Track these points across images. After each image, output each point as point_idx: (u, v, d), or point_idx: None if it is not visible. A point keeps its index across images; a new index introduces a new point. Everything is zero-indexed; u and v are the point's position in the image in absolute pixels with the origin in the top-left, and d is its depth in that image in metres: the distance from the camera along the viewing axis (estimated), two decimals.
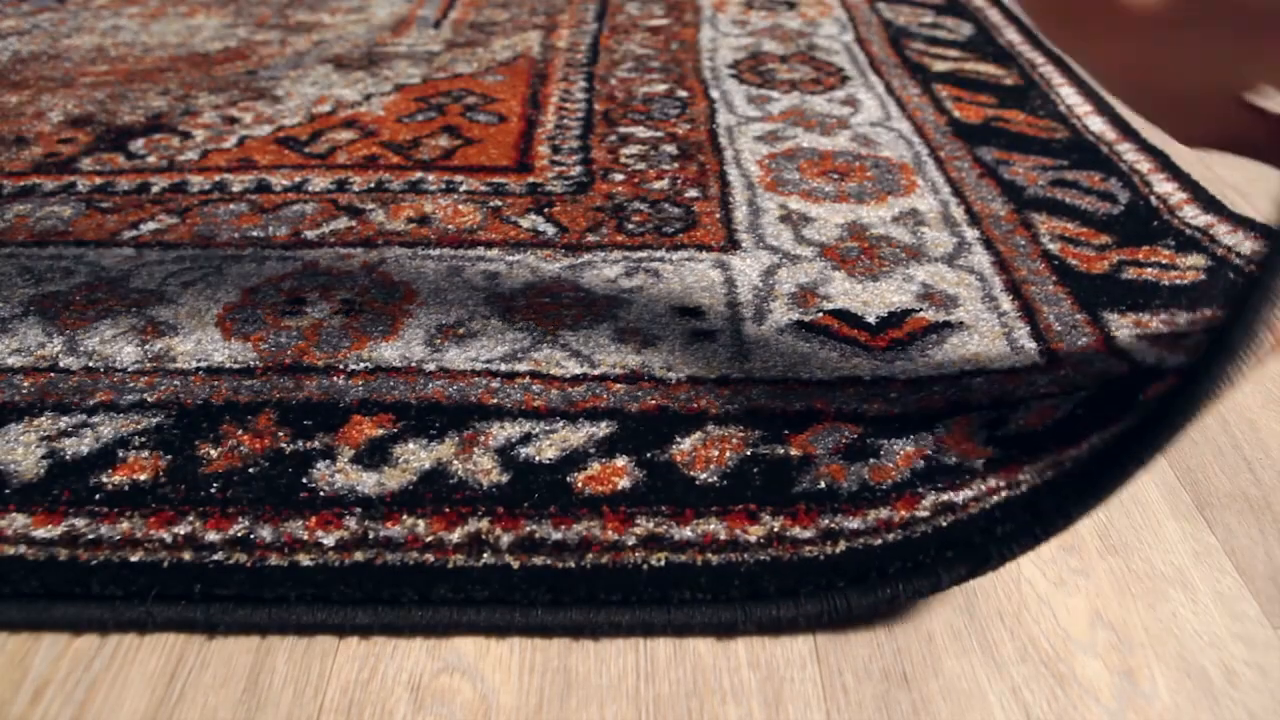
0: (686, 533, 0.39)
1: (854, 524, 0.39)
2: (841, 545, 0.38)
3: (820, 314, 0.53)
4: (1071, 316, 0.52)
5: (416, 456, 0.43)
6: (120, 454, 0.43)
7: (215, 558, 0.38)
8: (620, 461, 0.43)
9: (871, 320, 0.52)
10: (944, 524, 0.38)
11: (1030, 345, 0.50)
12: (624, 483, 0.41)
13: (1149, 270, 0.56)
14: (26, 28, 0.99)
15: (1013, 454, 0.40)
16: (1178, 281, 0.54)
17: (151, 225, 0.61)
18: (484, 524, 0.39)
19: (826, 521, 0.39)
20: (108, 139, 0.74)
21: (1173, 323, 0.49)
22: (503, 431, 0.44)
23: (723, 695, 0.35)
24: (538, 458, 0.43)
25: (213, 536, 0.39)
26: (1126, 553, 0.40)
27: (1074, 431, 0.40)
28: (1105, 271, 0.56)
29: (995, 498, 0.38)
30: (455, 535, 0.39)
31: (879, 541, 0.38)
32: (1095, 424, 0.39)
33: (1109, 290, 0.54)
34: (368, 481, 0.41)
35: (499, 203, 0.64)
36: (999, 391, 0.46)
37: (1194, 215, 0.61)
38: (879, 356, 0.49)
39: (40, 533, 0.39)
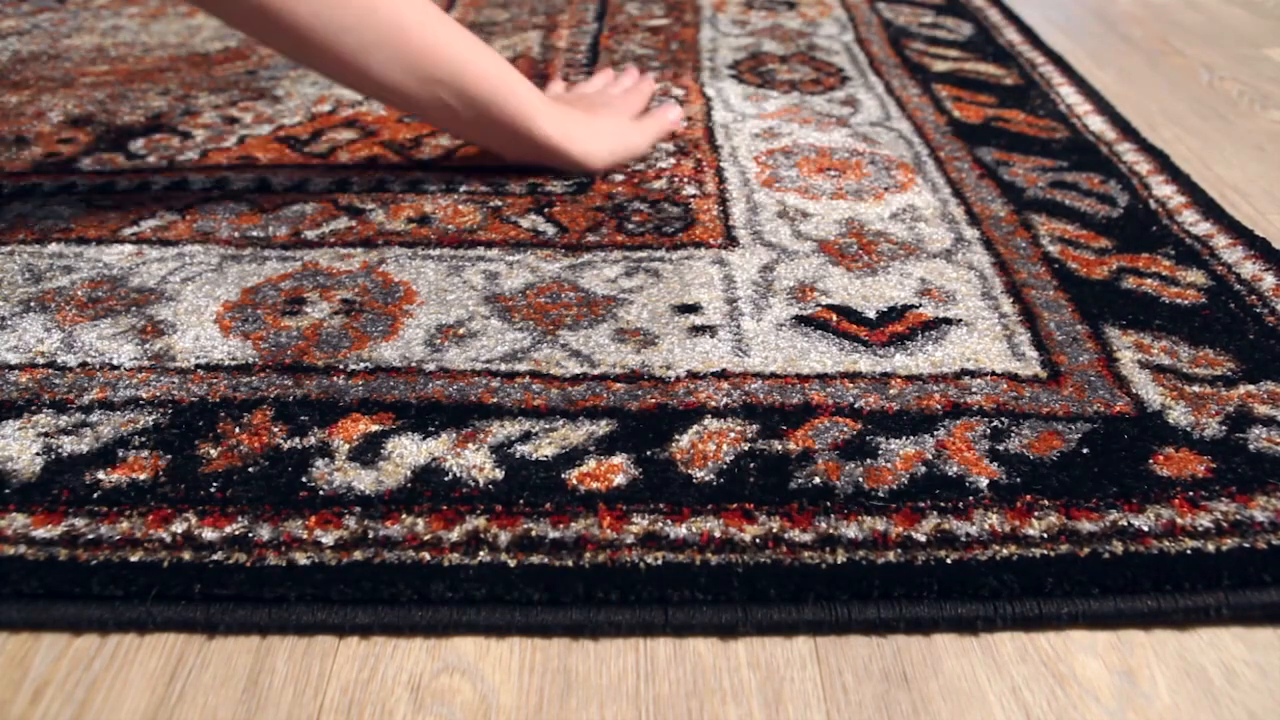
0: (682, 531, 0.39)
1: (851, 531, 0.39)
2: (841, 555, 0.38)
3: (819, 308, 0.53)
4: (1072, 326, 0.52)
5: (412, 453, 0.43)
6: (120, 453, 0.43)
7: (215, 557, 0.38)
8: (617, 458, 0.43)
9: (870, 315, 0.52)
10: (947, 560, 0.38)
11: (1032, 353, 0.49)
12: (619, 479, 0.41)
13: (1149, 281, 0.56)
14: (26, 28, 0.99)
15: (1017, 487, 0.41)
16: (1178, 300, 0.54)
17: (152, 222, 0.61)
18: (481, 522, 0.39)
19: (824, 525, 0.39)
20: (108, 139, 0.74)
21: (1174, 354, 0.49)
22: (502, 430, 0.44)
23: (723, 695, 0.35)
24: (535, 455, 0.43)
25: (212, 536, 0.39)
26: None
27: (1081, 484, 0.41)
28: (1105, 278, 0.56)
29: (1002, 550, 0.38)
30: (454, 534, 0.39)
31: (880, 560, 0.38)
32: (1102, 484, 0.41)
33: (1110, 300, 0.54)
34: (366, 480, 0.41)
35: (499, 203, 0.64)
36: (1000, 396, 0.46)
37: (1193, 222, 0.61)
38: (878, 351, 0.49)
39: (40, 533, 0.39)
